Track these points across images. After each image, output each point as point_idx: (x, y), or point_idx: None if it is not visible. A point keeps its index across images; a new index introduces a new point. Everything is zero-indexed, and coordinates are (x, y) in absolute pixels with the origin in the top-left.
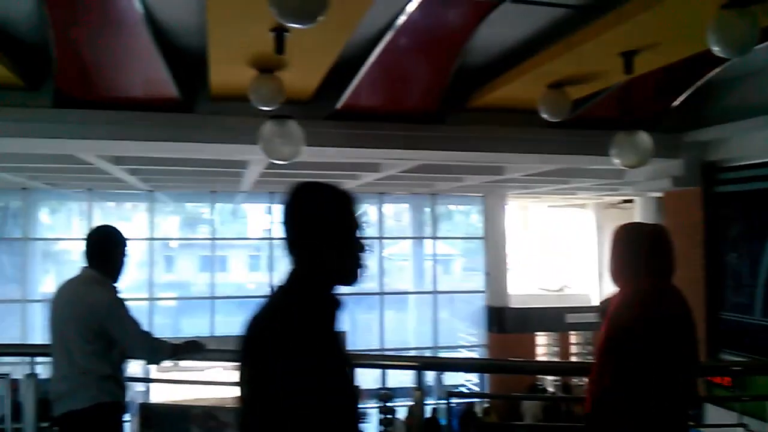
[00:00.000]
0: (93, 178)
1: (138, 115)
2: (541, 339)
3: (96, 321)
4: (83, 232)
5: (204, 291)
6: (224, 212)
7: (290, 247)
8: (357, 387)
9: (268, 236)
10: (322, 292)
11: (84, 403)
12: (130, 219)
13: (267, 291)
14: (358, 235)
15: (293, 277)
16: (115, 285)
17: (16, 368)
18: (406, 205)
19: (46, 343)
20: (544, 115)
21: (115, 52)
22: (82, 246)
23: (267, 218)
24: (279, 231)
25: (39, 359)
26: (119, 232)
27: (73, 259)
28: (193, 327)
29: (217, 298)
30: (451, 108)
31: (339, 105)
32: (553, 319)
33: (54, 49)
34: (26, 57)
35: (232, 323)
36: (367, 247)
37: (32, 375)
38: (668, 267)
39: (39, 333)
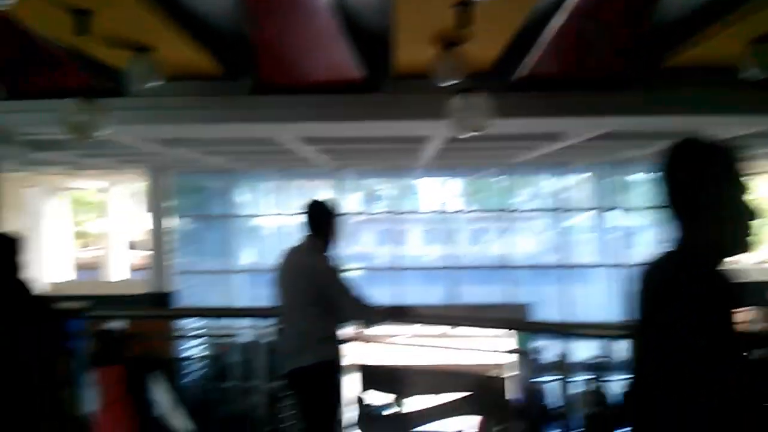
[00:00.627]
0: (285, 159)
1: (328, 98)
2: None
3: (315, 285)
4: (277, 209)
5: (385, 263)
6: (401, 187)
7: (671, 213)
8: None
9: (442, 210)
10: (711, 267)
11: (307, 361)
12: (315, 196)
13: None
14: (745, 198)
15: (680, 249)
16: (331, 253)
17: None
18: (588, 175)
19: (267, 306)
20: (747, 74)
21: (306, 38)
22: (296, 219)
23: (441, 193)
24: (658, 196)
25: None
26: (333, 204)
27: (267, 234)
28: (379, 297)
29: (400, 269)
30: (643, 70)
31: (520, 74)
32: (753, 292)
33: (252, 38)
34: (226, 48)
35: (415, 293)
36: (756, 213)
37: (262, 336)
38: None
39: (242, 301)
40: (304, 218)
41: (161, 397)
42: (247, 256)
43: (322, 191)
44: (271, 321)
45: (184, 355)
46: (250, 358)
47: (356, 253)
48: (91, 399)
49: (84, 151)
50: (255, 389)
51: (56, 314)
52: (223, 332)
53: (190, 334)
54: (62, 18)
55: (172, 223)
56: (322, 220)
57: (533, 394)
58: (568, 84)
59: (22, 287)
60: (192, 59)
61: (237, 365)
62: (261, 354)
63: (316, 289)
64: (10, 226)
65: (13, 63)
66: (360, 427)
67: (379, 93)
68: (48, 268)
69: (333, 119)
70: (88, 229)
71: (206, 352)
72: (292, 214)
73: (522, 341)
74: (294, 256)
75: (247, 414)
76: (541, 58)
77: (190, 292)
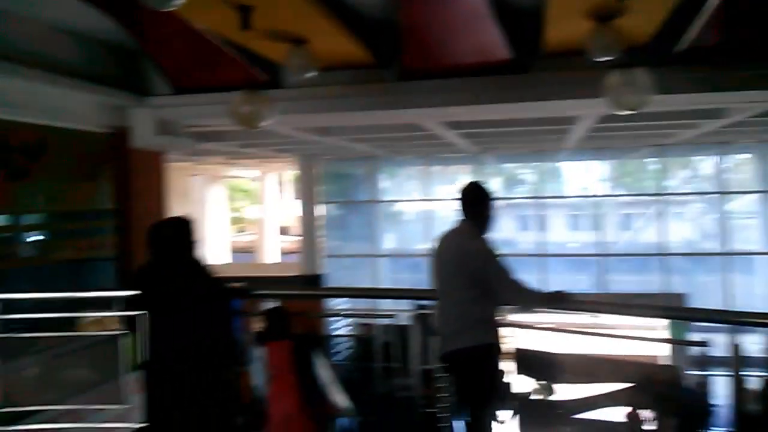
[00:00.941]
0: (428, 145)
1: (474, 81)
2: None
3: (473, 269)
4: (418, 195)
5: (527, 249)
6: (543, 172)
7: None
8: None
9: (589, 194)
10: None
11: (466, 343)
12: (455, 182)
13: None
14: None
15: None
16: (487, 236)
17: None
18: (750, 156)
19: (426, 288)
20: None
21: (454, 20)
22: (438, 204)
23: (587, 176)
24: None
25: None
26: (487, 188)
27: (408, 219)
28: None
29: (543, 256)
30: None
31: (681, 46)
32: None
33: (400, 24)
34: (375, 36)
35: (560, 281)
36: None
37: (419, 317)
38: None
39: (385, 284)
40: (459, 201)
41: (323, 372)
42: (389, 241)
43: (463, 177)
44: (422, 303)
45: (334, 334)
46: (400, 340)
47: (497, 240)
48: (260, 372)
49: (242, 142)
50: (403, 370)
51: (228, 292)
52: (371, 313)
53: (341, 315)
54: (226, 14)
55: (321, 209)
56: (478, 203)
57: (698, 388)
58: (734, 56)
59: (197, 266)
60: (344, 49)
61: (386, 346)
62: (413, 336)
63: (474, 273)
64: (178, 212)
65: (180, 59)
66: (515, 413)
67: (527, 73)
68: (209, 251)
69: (479, 102)
70: (244, 215)
71: (353, 333)
72: (433, 200)
73: (680, 332)
74: (451, 239)
75: (394, 395)
76: (705, 29)
77: (337, 275)
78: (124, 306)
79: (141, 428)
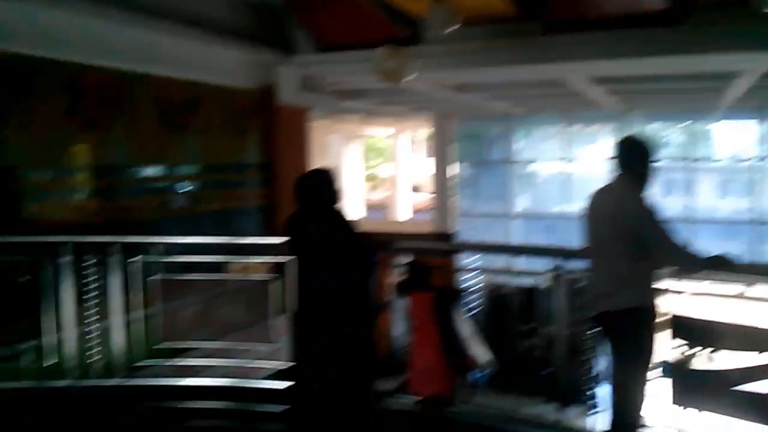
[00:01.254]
0: (570, 102)
1: (625, 33)
2: None
3: (631, 227)
4: (554, 155)
5: (674, 214)
6: (691, 133)
7: None
8: None
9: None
10: None
11: (620, 304)
12: (595, 142)
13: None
14: None
15: None
16: (646, 193)
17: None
18: None
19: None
20: None
21: None
22: (577, 165)
23: (740, 138)
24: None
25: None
26: (647, 142)
27: (543, 180)
28: None
29: (692, 222)
30: None
31: None
32: None
33: None
34: None
35: (710, 248)
36: None
37: (561, 276)
38: None
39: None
40: (615, 156)
41: (463, 325)
42: (523, 202)
43: (602, 137)
44: (560, 263)
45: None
46: (535, 300)
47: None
48: (401, 323)
49: (380, 100)
50: (537, 330)
51: (368, 244)
52: (507, 271)
53: (478, 271)
54: None
55: (454, 167)
56: (636, 157)
57: None
58: None
59: (339, 216)
60: (488, 2)
61: (520, 305)
62: (550, 296)
63: (631, 231)
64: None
65: (323, 17)
66: (669, 379)
67: (682, 25)
68: (347, 207)
69: (629, 56)
70: (377, 172)
71: (487, 290)
72: (571, 160)
73: None
74: (606, 196)
75: (527, 354)
76: None
77: (469, 234)
78: (274, 252)
79: (287, 368)
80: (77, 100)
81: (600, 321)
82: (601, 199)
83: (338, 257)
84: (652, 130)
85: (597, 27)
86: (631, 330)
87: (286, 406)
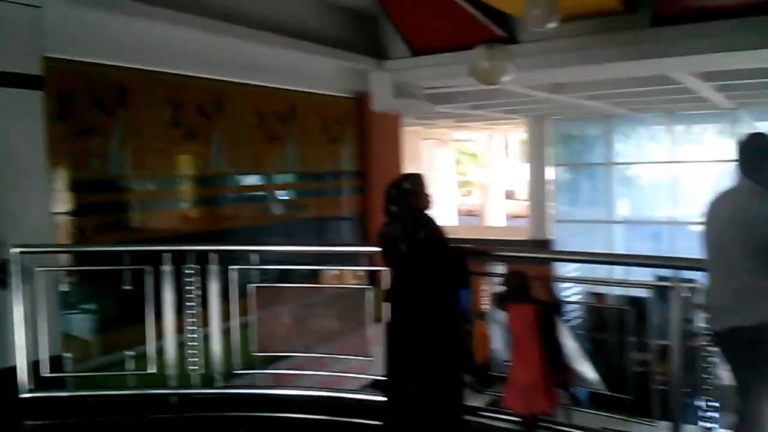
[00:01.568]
0: (674, 100)
1: (736, 24)
2: None
3: (758, 234)
4: (659, 157)
5: None
6: None
7: None
8: None
9: None
10: None
11: (748, 320)
12: (702, 142)
13: None
14: None
15: None
16: None
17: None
18: None
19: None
20: None
21: None
22: (684, 167)
23: None
24: None
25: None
26: None
27: (647, 183)
28: None
29: None
30: None
31: None
32: None
33: None
34: None
35: None
36: None
37: (674, 286)
38: None
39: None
40: (738, 156)
41: (568, 341)
42: (625, 207)
43: (709, 137)
44: (663, 274)
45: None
46: (637, 312)
47: None
48: (499, 335)
49: (474, 103)
50: (639, 344)
51: (459, 251)
52: (607, 282)
53: (578, 282)
54: None
55: (550, 171)
56: (757, 157)
57: None
58: None
59: (430, 222)
60: None
61: (621, 318)
62: (653, 308)
63: (758, 239)
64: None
65: (417, 19)
66: None
67: None
68: (438, 213)
69: (743, 48)
70: (469, 178)
71: (585, 301)
72: (677, 162)
73: None
74: (729, 201)
75: (629, 369)
76: None
77: (567, 241)
78: (369, 260)
79: (380, 380)
80: (179, 111)
81: (720, 339)
82: (722, 203)
83: (427, 264)
84: (763, 128)
85: (708, 17)
86: (756, 350)
87: (381, 422)
